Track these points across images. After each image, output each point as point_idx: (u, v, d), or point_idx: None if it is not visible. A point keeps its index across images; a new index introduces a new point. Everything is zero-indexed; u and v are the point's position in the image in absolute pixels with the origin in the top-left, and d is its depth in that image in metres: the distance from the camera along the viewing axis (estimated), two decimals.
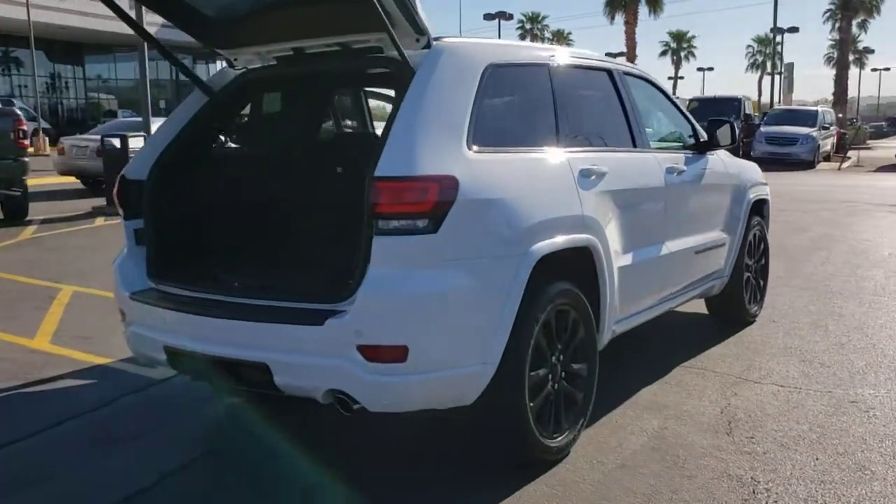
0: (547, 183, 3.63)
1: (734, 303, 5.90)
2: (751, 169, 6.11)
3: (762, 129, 26.85)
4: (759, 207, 6.13)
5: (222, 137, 4.19)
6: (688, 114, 5.42)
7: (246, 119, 4.59)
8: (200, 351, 3.37)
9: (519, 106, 3.82)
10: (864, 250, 9.54)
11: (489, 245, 3.24)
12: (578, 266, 3.76)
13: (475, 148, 3.29)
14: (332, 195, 4.25)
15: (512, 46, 3.84)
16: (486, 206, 3.23)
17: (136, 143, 13.22)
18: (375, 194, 3.02)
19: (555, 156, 3.76)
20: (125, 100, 49.24)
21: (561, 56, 4.15)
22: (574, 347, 3.75)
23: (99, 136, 14.80)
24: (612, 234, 4.00)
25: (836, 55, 66.95)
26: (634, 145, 4.54)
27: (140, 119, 14.67)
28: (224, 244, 4.09)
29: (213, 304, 3.44)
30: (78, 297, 7.29)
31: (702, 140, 5.34)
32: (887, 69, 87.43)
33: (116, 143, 13.18)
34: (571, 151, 3.87)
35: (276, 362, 3.19)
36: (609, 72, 4.54)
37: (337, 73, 4.44)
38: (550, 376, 3.59)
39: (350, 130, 5.08)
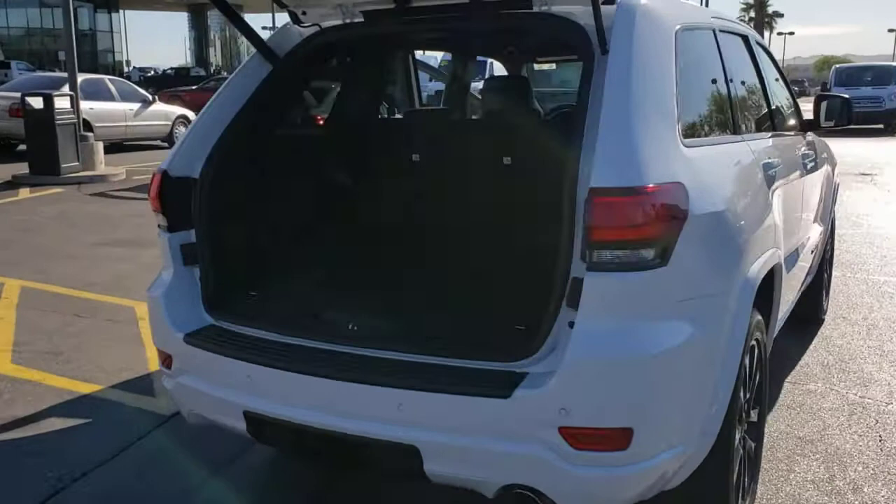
0: (748, 184, 2.82)
1: (813, 300, 5.24)
2: (830, 149, 5.43)
3: None
4: (837, 192, 5.48)
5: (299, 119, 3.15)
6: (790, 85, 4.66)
7: (331, 96, 3.54)
8: (312, 424, 2.41)
9: (704, 82, 2.95)
10: (868, 227, 9.11)
11: (714, 276, 2.41)
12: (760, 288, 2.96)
13: (686, 141, 2.43)
14: (480, 201, 3.25)
15: (686, 4, 2.96)
16: (711, 222, 2.38)
17: (62, 102, 11.73)
18: (593, 213, 2.12)
19: (742, 147, 2.94)
20: (15, 50, 45.50)
21: (720, 17, 3.30)
22: (755, 390, 2.97)
23: (12, 94, 13.13)
24: (782, 242, 3.23)
25: (747, 18, 68.28)
26: (774, 128, 3.75)
27: (64, 74, 13.03)
28: (317, 267, 3.07)
29: (325, 358, 2.47)
30: (29, 294, 6.06)
31: (804, 119, 4.59)
32: (791, 33, 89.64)
33: (38, 102, 11.59)
34: (749, 140, 3.05)
35: (431, 444, 2.27)
36: (745, 38, 3.72)
37: (464, 37, 3.45)
38: (743, 433, 2.81)
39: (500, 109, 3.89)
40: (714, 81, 3.00)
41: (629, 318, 2.16)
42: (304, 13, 3.05)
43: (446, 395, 2.24)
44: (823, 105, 4.50)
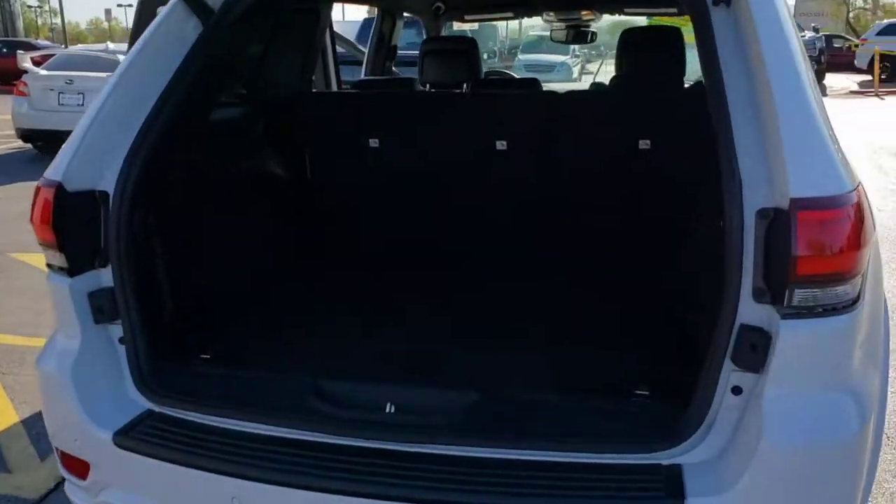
0: None
1: None
2: None
3: (520, 56, 26.06)
4: None
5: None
6: None
7: (292, 61, 2.56)
8: None
9: None
10: None
11: (878, 308, 1.84)
12: None
13: None
14: (557, 204, 2.38)
15: None
16: (875, 236, 1.80)
17: None
18: (797, 235, 1.46)
19: None
20: None
21: None
22: None
23: None
24: None
25: None
26: None
27: None
28: (301, 311, 2.16)
29: (357, 462, 1.64)
30: None
31: None
32: None
33: None
34: None
35: None
36: None
37: None
38: None
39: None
40: None
41: (829, 382, 1.55)
42: None
43: None
44: None
